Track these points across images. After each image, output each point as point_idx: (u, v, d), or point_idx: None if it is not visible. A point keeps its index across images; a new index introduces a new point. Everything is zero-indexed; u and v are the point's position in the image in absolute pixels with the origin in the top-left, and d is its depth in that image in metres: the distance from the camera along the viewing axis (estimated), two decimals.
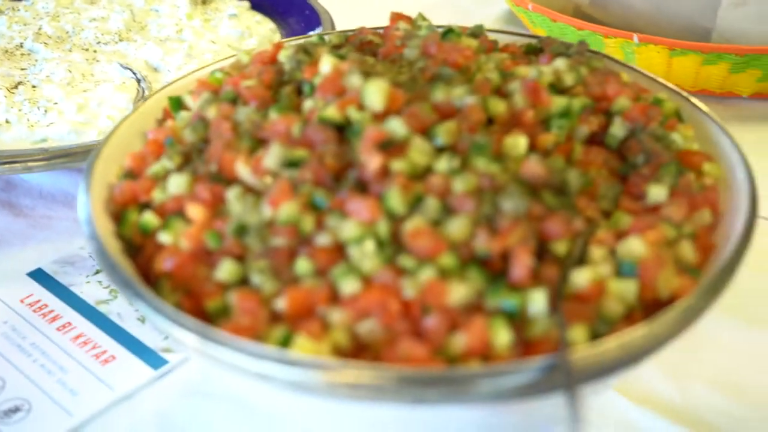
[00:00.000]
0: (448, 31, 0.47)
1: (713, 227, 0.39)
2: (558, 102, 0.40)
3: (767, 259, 0.52)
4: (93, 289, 0.53)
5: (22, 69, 0.69)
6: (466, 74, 0.42)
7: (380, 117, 0.38)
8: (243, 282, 0.36)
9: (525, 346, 0.33)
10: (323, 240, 0.35)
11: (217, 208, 0.38)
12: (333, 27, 0.74)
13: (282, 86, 0.44)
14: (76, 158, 0.56)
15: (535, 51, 0.49)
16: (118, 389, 0.45)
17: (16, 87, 0.66)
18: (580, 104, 0.41)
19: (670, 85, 0.47)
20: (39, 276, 0.54)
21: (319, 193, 0.36)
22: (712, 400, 0.43)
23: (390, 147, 0.36)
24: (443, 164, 0.36)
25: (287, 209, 0.35)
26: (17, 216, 0.60)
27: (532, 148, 0.39)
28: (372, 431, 0.38)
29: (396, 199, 0.35)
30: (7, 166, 0.55)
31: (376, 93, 0.38)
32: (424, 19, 0.49)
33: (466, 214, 0.34)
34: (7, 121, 0.61)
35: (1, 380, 0.46)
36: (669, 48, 0.67)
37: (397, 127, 0.37)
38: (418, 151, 0.36)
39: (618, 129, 0.41)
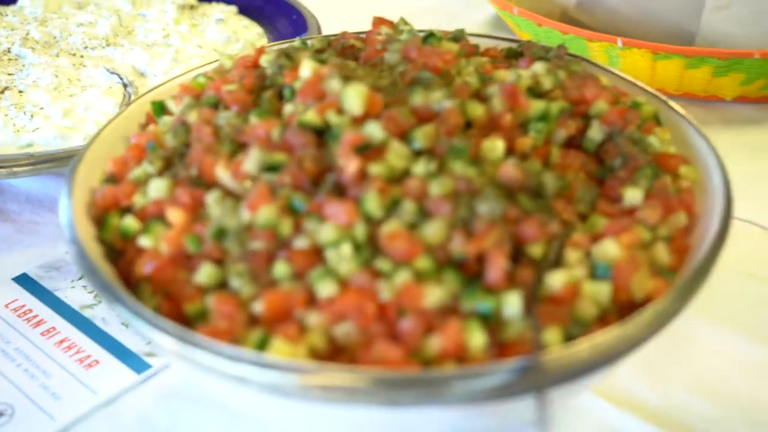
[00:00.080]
0: (429, 36, 0.47)
1: (689, 229, 0.39)
2: (536, 106, 0.40)
3: (747, 261, 0.53)
4: (78, 293, 0.53)
5: (9, 74, 0.69)
6: (445, 78, 0.42)
7: (359, 121, 0.38)
8: (222, 285, 0.36)
9: (500, 348, 0.33)
10: (301, 243, 0.35)
11: (197, 212, 0.38)
12: (320, 31, 0.74)
13: (264, 91, 0.44)
14: (62, 163, 0.56)
15: (515, 55, 0.49)
16: (102, 393, 0.46)
17: (2, 92, 0.66)
18: (558, 108, 0.41)
19: (648, 88, 0.47)
20: (24, 281, 0.54)
21: (297, 196, 0.36)
22: (691, 402, 0.44)
23: (368, 151, 0.37)
24: (420, 168, 0.36)
25: (265, 213, 0.36)
26: (4, 221, 0.60)
27: (510, 151, 0.39)
28: None
29: (373, 203, 0.35)
30: None
31: (354, 97, 0.38)
32: (405, 23, 0.50)
33: (443, 217, 0.35)
34: None
35: None
36: (652, 52, 0.67)
37: (374, 131, 0.37)
38: (396, 154, 0.37)
39: (595, 132, 0.41)
